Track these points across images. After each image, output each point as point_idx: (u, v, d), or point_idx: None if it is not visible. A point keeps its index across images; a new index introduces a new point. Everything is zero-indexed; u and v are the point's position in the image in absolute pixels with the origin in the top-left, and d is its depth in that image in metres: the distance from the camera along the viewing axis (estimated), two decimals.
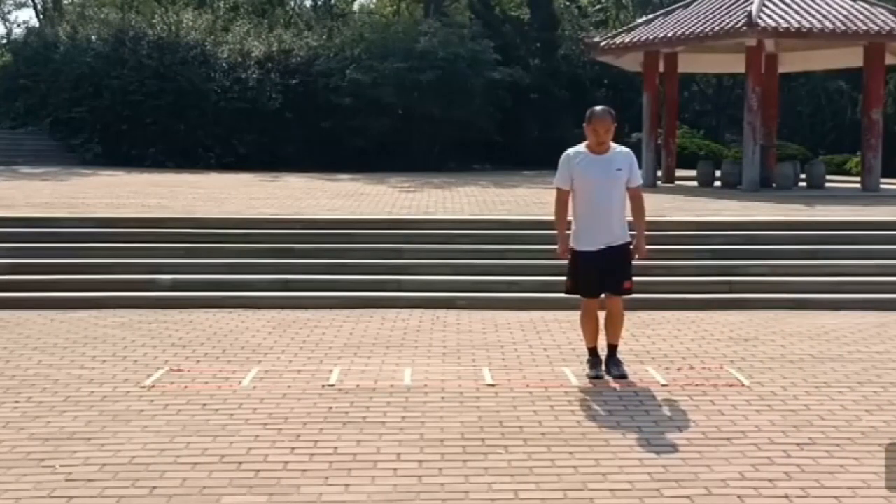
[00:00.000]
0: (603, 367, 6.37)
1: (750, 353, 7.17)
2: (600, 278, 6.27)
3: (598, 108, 6.28)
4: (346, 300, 9.13)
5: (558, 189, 6.40)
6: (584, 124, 6.21)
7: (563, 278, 9.58)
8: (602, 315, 6.46)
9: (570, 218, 6.44)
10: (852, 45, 18.77)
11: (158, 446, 4.88)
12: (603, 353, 6.47)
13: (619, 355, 6.48)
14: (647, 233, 11.07)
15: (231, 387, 6.06)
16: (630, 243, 6.34)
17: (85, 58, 25.91)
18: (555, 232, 6.62)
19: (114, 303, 8.91)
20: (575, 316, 8.52)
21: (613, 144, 6.28)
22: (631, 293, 6.41)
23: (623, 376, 6.27)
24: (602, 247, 6.21)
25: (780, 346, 7.45)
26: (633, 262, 6.40)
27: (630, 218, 6.37)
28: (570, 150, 6.37)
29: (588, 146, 6.26)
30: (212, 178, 20.21)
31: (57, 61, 26.53)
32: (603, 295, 6.40)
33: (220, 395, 5.85)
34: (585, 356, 6.52)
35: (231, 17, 31.35)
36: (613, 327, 6.43)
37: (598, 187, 6.18)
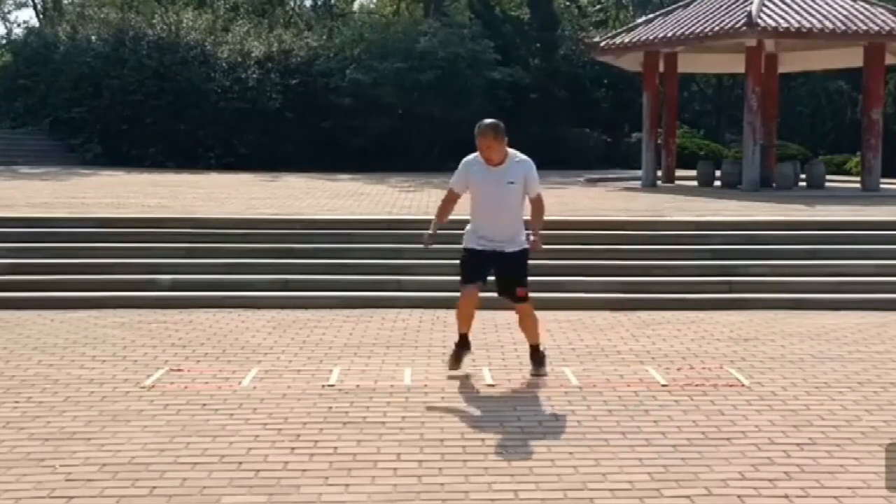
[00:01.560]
0: (461, 364, 6.42)
1: (750, 353, 7.17)
2: (481, 271, 6.35)
3: (484, 122, 6.25)
4: (346, 300, 9.13)
5: (450, 189, 6.51)
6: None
7: (563, 278, 9.70)
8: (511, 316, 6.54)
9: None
10: (852, 45, 18.78)
11: (158, 446, 4.88)
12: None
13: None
14: (647, 233, 11.08)
15: (231, 387, 6.06)
16: (525, 251, 6.37)
17: (85, 58, 25.93)
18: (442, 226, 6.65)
19: (114, 303, 8.91)
20: (576, 316, 8.58)
21: (513, 153, 6.31)
22: (526, 300, 6.41)
23: (541, 374, 6.36)
24: (484, 249, 6.28)
25: (780, 346, 7.45)
26: (542, 260, 6.40)
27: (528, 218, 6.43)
28: (470, 157, 6.41)
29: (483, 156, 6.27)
30: (212, 178, 20.22)
31: (57, 61, 26.54)
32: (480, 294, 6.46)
33: (220, 395, 5.85)
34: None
35: (231, 17, 31.35)
36: (527, 330, 6.48)
37: (488, 199, 6.25)
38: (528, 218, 6.41)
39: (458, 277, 6.49)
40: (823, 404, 5.78)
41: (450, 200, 6.55)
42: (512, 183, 6.23)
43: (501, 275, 6.37)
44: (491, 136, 6.18)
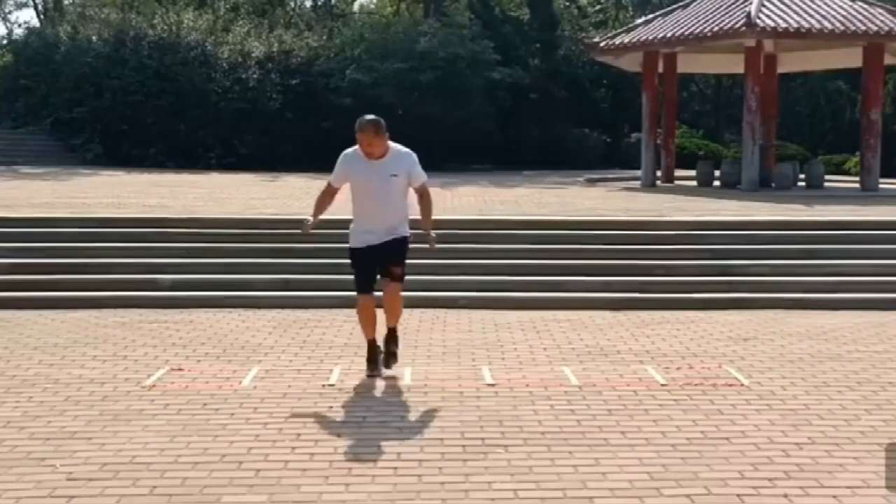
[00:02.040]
0: (381, 365, 6.42)
1: (749, 352, 7.18)
2: (371, 273, 6.38)
3: (365, 119, 6.25)
4: (346, 300, 9.09)
5: (328, 183, 6.54)
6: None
7: (563, 278, 9.71)
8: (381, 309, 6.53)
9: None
10: (851, 46, 18.79)
11: (159, 446, 4.89)
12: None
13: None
14: (647, 233, 11.08)
15: (231, 386, 6.07)
16: (406, 238, 6.40)
17: (86, 58, 25.92)
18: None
19: (114, 303, 8.92)
20: (575, 315, 8.59)
21: (395, 146, 6.34)
22: (402, 279, 6.42)
23: (393, 359, 6.39)
24: (369, 244, 6.31)
25: (779, 345, 7.46)
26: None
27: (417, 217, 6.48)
28: (349, 151, 6.43)
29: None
30: (212, 178, 20.23)
31: (58, 61, 26.54)
32: (379, 293, 6.47)
33: (221, 395, 5.86)
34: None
35: (231, 18, 31.35)
36: (390, 311, 6.46)
37: (370, 192, 6.26)
38: (419, 218, 6.46)
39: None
40: (822, 404, 5.79)
41: (328, 194, 6.55)
42: (395, 175, 6.26)
43: (383, 258, 6.32)
44: (372, 133, 6.18)
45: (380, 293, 6.45)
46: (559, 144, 28.52)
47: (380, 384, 6.15)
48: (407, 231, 6.42)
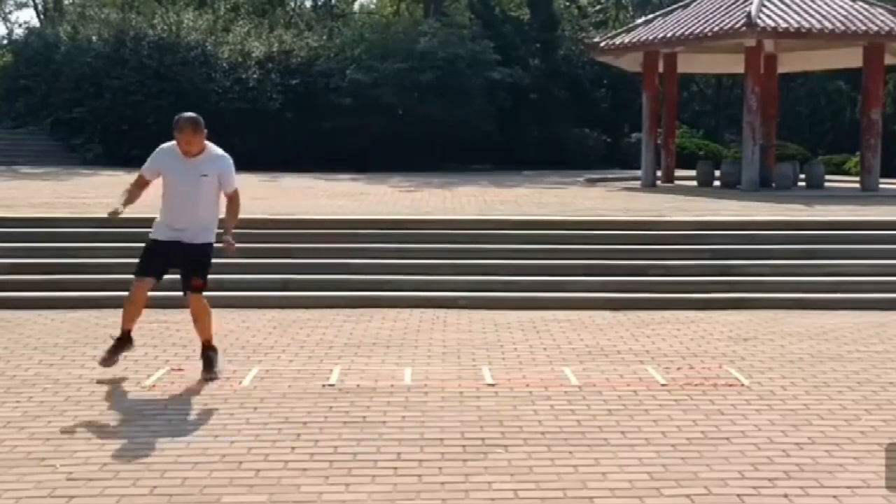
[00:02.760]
0: (120, 356, 6.37)
1: (749, 352, 7.18)
2: (161, 265, 6.39)
3: (183, 116, 6.29)
4: (346, 300, 9.14)
5: (139, 175, 6.51)
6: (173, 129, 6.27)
7: (563, 278, 9.71)
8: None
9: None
10: (852, 46, 18.79)
11: (159, 446, 4.89)
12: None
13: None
14: (647, 233, 11.08)
15: (231, 386, 6.07)
16: (210, 244, 6.43)
17: (85, 58, 25.92)
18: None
19: (114, 303, 8.86)
20: (575, 315, 8.59)
21: (211, 146, 6.39)
22: (203, 291, 6.41)
23: (212, 377, 6.23)
24: (172, 239, 6.33)
25: (779, 345, 7.46)
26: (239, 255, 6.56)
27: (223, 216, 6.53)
28: (166, 146, 6.45)
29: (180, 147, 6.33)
30: None
31: (58, 61, 26.54)
32: (150, 293, 6.48)
33: (221, 395, 5.86)
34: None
35: (231, 18, 31.35)
36: (199, 324, 6.45)
37: (180, 188, 6.32)
38: (224, 217, 6.52)
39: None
40: (823, 404, 5.79)
41: (138, 186, 6.47)
42: (205, 175, 6.30)
43: (184, 265, 6.34)
44: (190, 131, 6.22)
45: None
46: (559, 144, 28.52)
47: (380, 384, 6.14)
48: (211, 238, 6.45)
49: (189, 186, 6.32)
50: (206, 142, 6.40)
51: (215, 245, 6.48)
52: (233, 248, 6.38)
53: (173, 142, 6.36)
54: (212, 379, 6.22)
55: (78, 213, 11.56)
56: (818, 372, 6.57)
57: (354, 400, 5.77)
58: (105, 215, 6.45)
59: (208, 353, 6.43)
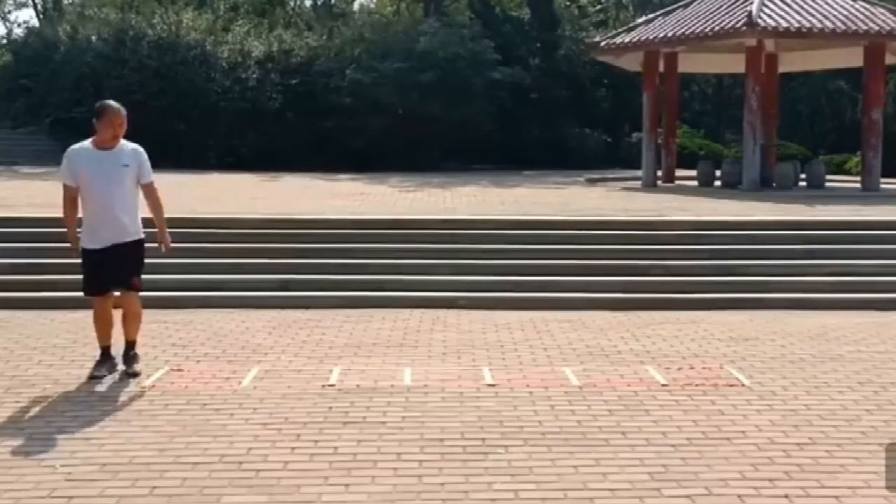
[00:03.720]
0: (119, 366, 6.40)
1: (750, 352, 7.17)
2: (107, 276, 6.33)
3: (111, 102, 6.30)
4: (346, 300, 9.13)
5: (65, 186, 6.37)
6: (96, 119, 6.23)
7: (563, 278, 9.70)
8: (119, 313, 6.50)
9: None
10: (852, 45, 18.78)
11: (158, 446, 4.88)
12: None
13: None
14: (647, 233, 11.06)
15: (231, 387, 6.07)
16: (142, 241, 6.43)
17: (85, 58, 25.92)
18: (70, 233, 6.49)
19: (113, 303, 8.88)
20: (575, 315, 8.58)
21: (123, 141, 6.34)
22: (141, 290, 6.46)
23: (135, 374, 6.29)
24: (108, 245, 6.26)
25: (780, 346, 7.45)
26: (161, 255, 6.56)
27: (148, 215, 6.52)
28: (76, 146, 6.40)
29: (94, 142, 6.29)
30: (212, 178, 20.21)
31: (57, 61, 26.54)
32: (117, 294, 6.47)
33: (221, 395, 5.85)
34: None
35: (231, 17, 31.37)
36: (128, 324, 6.47)
37: (102, 183, 6.21)
38: (151, 216, 6.52)
39: (83, 285, 6.40)
40: (823, 404, 5.78)
41: (71, 199, 6.36)
42: (126, 166, 6.26)
43: (117, 265, 6.29)
44: (124, 116, 6.21)
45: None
46: (560, 144, 28.50)
47: (380, 384, 6.14)
48: (141, 232, 6.43)
49: (113, 179, 6.22)
50: None
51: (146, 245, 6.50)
52: (168, 247, 6.41)
53: (81, 143, 6.34)
54: (135, 375, 6.26)
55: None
56: (819, 372, 6.57)
57: (354, 400, 5.76)
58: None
59: (133, 353, 6.48)
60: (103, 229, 6.25)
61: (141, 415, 5.44)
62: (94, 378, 6.24)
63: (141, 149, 6.41)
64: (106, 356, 6.41)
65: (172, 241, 6.74)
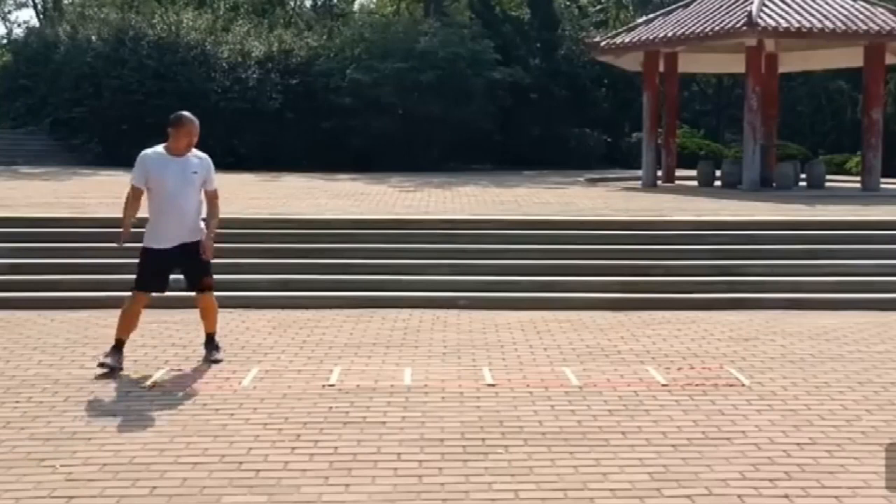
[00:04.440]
0: (120, 361, 6.49)
1: (750, 352, 7.17)
2: (164, 275, 6.67)
3: (185, 113, 6.67)
4: (346, 300, 9.13)
5: (133, 186, 6.61)
6: (171, 128, 6.54)
7: (563, 278, 9.70)
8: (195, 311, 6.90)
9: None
10: (852, 45, 18.79)
11: (159, 446, 4.88)
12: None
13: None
14: (647, 233, 11.07)
15: (231, 387, 6.07)
16: (202, 241, 6.64)
17: (85, 58, 25.90)
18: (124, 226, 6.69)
19: (114, 303, 8.83)
20: (575, 315, 8.58)
21: (192, 150, 6.66)
22: (213, 289, 6.77)
23: (217, 360, 6.67)
24: (175, 244, 6.53)
25: (780, 345, 7.45)
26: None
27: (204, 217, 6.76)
28: (150, 151, 6.64)
29: (168, 149, 6.58)
30: None
31: (57, 61, 26.52)
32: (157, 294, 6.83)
33: (221, 395, 5.85)
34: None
35: (231, 17, 31.33)
36: (207, 319, 6.86)
37: (173, 188, 6.50)
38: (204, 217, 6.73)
39: (136, 280, 6.65)
40: (823, 404, 5.78)
41: (136, 199, 6.63)
42: (195, 173, 6.60)
43: (189, 266, 6.65)
44: (197, 126, 6.59)
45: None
46: (560, 144, 28.49)
47: (380, 384, 6.14)
48: (202, 234, 6.66)
49: (184, 185, 6.53)
50: None
51: None
52: (211, 253, 6.61)
53: (155, 147, 6.62)
54: (218, 360, 6.61)
55: (78, 213, 11.56)
56: (819, 372, 6.57)
57: (354, 400, 5.76)
58: (120, 231, 6.68)
59: (215, 342, 6.84)
60: (171, 231, 6.53)
61: (141, 415, 5.44)
62: (102, 365, 6.35)
63: (208, 158, 6.74)
64: (118, 348, 6.53)
65: None
